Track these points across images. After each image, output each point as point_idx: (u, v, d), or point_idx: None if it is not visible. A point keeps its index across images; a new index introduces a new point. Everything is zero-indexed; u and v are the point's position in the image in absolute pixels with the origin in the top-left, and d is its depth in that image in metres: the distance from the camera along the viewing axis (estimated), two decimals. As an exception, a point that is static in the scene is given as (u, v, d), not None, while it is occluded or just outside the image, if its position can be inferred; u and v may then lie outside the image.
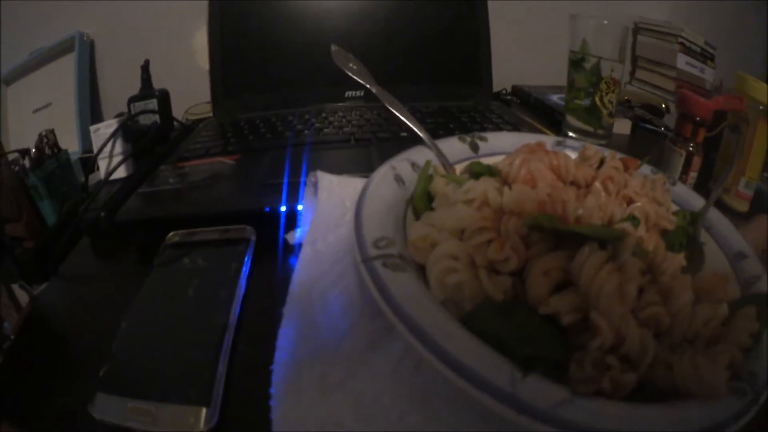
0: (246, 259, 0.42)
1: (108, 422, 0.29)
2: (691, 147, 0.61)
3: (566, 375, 0.25)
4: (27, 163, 0.65)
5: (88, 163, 0.61)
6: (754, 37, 1.14)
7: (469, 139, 0.44)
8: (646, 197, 0.40)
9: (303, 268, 0.34)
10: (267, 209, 0.43)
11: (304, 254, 0.34)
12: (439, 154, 0.40)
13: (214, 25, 0.65)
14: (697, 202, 0.45)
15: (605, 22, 0.66)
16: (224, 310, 0.36)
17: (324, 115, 0.63)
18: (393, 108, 0.42)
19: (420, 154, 0.40)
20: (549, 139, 0.47)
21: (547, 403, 0.22)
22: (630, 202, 0.40)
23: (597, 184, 0.39)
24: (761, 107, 0.63)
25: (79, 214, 0.51)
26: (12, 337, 0.39)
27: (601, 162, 0.43)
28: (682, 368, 0.26)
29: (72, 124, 0.71)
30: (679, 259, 0.35)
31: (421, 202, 0.35)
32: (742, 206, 0.62)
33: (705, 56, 0.96)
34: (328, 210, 0.36)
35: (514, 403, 0.22)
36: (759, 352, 0.29)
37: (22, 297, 0.55)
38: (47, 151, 0.66)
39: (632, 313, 0.27)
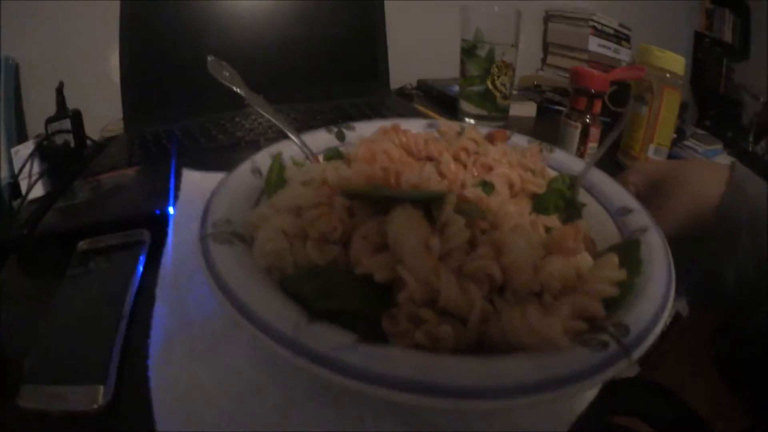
0: (141, 258, 0.45)
1: (31, 409, 0.32)
2: (588, 119, 0.64)
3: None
4: (-42, 188, 0.67)
5: (15, 187, 0.64)
6: (680, 16, 1.17)
7: (336, 129, 0.46)
8: (510, 164, 0.42)
9: (170, 255, 0.37)
10: (158, 212, 0.46)
11: (171, 242, 0.38)
12: (302, 145, 0.43)
13: (124, 44, 0.68)
14: (579, 166, 0.45)
15: (496, 9, 0.69)
16: (119, 304, 0.40)
17: (222, 122, 0.66)
18: (259, 108, 0.45)
19: (282, 148, 0.42)
20: (419, 122, 0.49)
21: (326, 347, 0.23)
22: (490, 170, 0.41)
23: (445, 154, 0.41)
24: (668, 75, 0.66)
25: (4, 234, 0.54)
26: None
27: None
28: (511, 318, 0.25)
29: (2, 150, 0.73)
30: (546, 220, 0.36)
31: (274, 189, 0.38)
32: None
33: (619, 37, 1.00)
34: (191, 201, 0.39)
35: (293, 345, 0.23)
36: (631, 303, 0.28)
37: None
38: (-24, 177, 0.69)
39: (461, 269, 0.28)
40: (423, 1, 0.90)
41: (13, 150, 0.60)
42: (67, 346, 0.37)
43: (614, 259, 0.30)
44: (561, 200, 0.42)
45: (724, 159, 0.83)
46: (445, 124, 0.46)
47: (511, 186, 0.41)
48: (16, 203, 0.62)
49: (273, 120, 0.44)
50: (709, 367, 0.68)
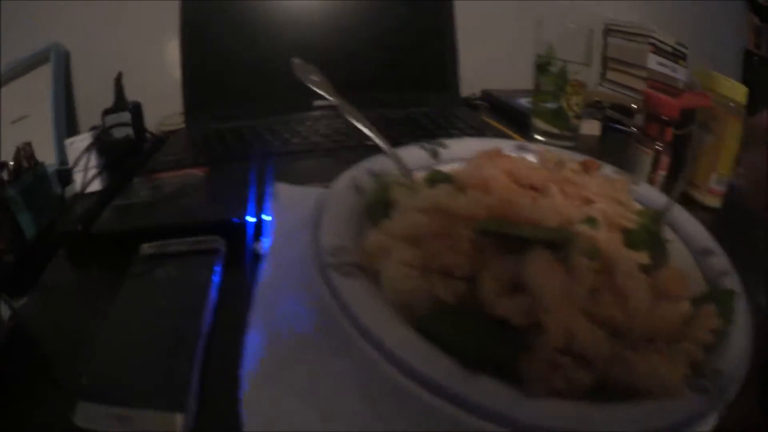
0: (216, 268, 0.43)
1: (91, 430, 0.30)
2: (659, 146, 0.62)
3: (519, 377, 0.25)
4: (5, 176, 0.65)
5: (65, 175, 0.62)
6: (728, 37, 1.16)
7: (429, 146, 0.45)
8: (606, 198, 0.41)
9: (269, 278, 0.35)
10: (235, 220, 0.44)
11: (270, 264, 0.36)
12: (399, 162, 0.41)
13: (186, 37, 0.66)
14: (662, 200, 0.45)
15: (571, 25, 0.67)
16: (196, 319, 0.37)
17: (292, 125, 0.64)
18: (353, 118, 0.43)
19: (380, 163, 0.41)
20: (509, 144, 0.48)
21: (497, 403, 0.23)
22: (589, 203, 0.40)
23: (553, 187, 0.39)
24: (731, 104, 0.63)
25: (56, 227, 0.52)
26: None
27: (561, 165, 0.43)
28: (640, 368, 0.26)
29: (49, 136, 0.71)
30: (639, 257, 0.35)
31: (377, 210, 0.36)
32: (715, 202, 0.63)
33: (677, 56, 0.98)
34: (288, 220, 0.37)
35: (464, 403, 0.22)
36: (723, 349, 0.29)
37: (3, 310, 0.56)
38: (24, 164, 0.67)
39: (587, 313, 0.28)
40: (491, 13, 0.87)
41: (67, 141, 0.58)
42: (134, 362, 0.35)
43: (713, 308, 0.30)
44: (648, 236, 0.40)
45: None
46: (545, 152, 0.45)
47: (606, 221, 0.39)
48: (67, 192, 0.60)
49: (366, 131, 0.42)
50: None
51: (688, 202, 0.44)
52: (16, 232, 0.65)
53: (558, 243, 0.30)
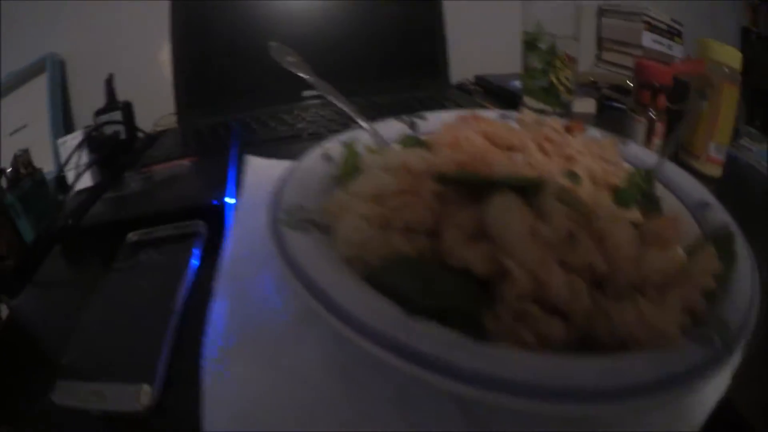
0: (195, 250, 0.43)
1: (67, 406, 0.30)
2: (652, 114, 0.61)
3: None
4: (4, 183, 0.67)
5: (63, 181, 0.62)
6: (726, 14, 1.14)
7: (408, 119, 0.44)
8: (592, 156, 0.40)
9: (233, 247, 0.34)
10: (215, 202, 0.44)
11: (233, 234, 0.35)
12: (375, 134, 0.41)
13: (176, 38, 0.68)
14: (653, 160, 0.44)
15: (558, 1, 0.67)
16: (171, 298, 0.37)
17: (280, 114, 0.64)
18: (329, 95, 0.43)
19: (355, 135, 0.40)
20: (492, 113, 0.47)
21: (436, 347, 0.21)
22: (573, 161, 0.38)
23: (530, 144, 0.38)
24: (726, 70, 0.62)
25: (52, 226, 0.52)
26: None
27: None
28: (623, 315, 0.24)
29: (47, 144, 0.72)
30: (629, 214, 0.34)
31: (348, 177, 0.35)
32: (715, 171, 0.62)
33: (672, 33, 0.97)
34: (255, 190, 0.37)
35: (397, 347, 0.21)
36: (728, 298, 0.26)
37: (2, 310, 0.56)
38: (22, 170, 0.68)
39: (564, 264, 0.26)
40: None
41: (59, 140, 0.59)
42: (109, 341, 0.35)
43: (712, 251, 0.28)
44: (639, 194, 0.39)
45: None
46: (528, 115, 0.43)
47: (592, 178, 0.38)
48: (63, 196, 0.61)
49: (342, 107, 0.42)
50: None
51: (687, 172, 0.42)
52: (16, 237, 0.66)
53: (528, 189, 0.27)
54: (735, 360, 0.23)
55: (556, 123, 0.42)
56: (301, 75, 0.45)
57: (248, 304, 0.32)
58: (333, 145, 0.38)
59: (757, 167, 0.67)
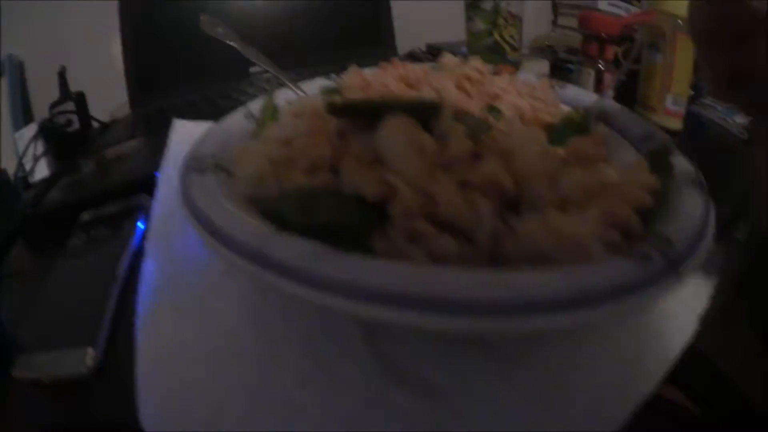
0: (139, 222, 0.44)
1: (24, 377, 0.31)
2: (600, 64, 0.61)
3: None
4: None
5: (26, 180, 0.64)
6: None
7: (335, 76, 0.44)
8: (519, 94, 0.39)
9: (159, 205, 0.35)
10: (157, 174, 0.45)
11: (160, 192, 0.36)
12: (297, 89, 0.41)
13: (125, 27, 0.68)
14: (590, 98, 0.43)
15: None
16: (113, 267, 0.39)
17: (227, 92, 0.65)
18: (255, 59, 0.43)
19: (278, 94, 0.41)
20: (424, 66, 0.46)
21: (292, 256, 0.20)
22: (497, 99, 0.38)
23: (447, 82, 0.38)
24: (680, 22, 0.60)
25: (13, 219, 0.54)
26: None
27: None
28: (529, 226, 0.22)
29: (10, 145, 0.74)
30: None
31: (264, 127, 0.36)
32: (674, 124, 0.61)
33: (629, -5, 0.96)
34: (181, 149, 0.38)
35: (255, 257, 0.21)
36: (673, 215, 0.24)
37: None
38: (-14, 172, 0.69)
39: (466, 182, 0.24)
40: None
41: (16, 134, 0.60)
42: (59, 314, 0.36)
43: (644, 164, 0.27)
44: (575, 131, 0.38)
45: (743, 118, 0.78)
46: (450, 58, 0.43)
47: (521, 117, 0.38)
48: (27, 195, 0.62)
49: (267, 68, 0.43)
50: (740, 322, 0.62)
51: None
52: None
53: (427, 114, 0.26)
54: (687, 284, 0.21)
55: (479, 63, 0.41)
56: (233, 45, 0.45)
57: (174, 260, 0.33)
58: (255, 104, 0.39)
59: (722, 124, 0.65)
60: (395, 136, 0.25)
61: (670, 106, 0.65)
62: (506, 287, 0.18)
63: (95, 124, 0.65)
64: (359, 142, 0.27)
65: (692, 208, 0.24)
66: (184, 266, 0.33)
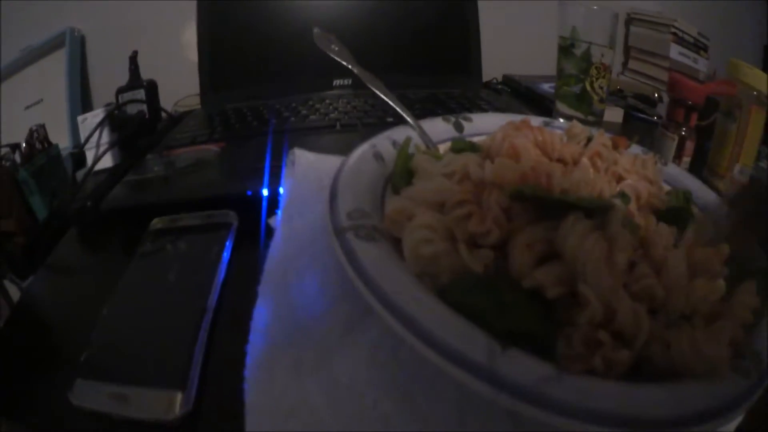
0: (227, 243, 0.41)
1: (86, 408, 0.28)
2: (684, 131, 0.61)
3: (554, 355, 0.24)
4: (18, 158, 0.64)
5: (78, 157, 0.61)
6: (749, 29, 1.14)
7: (453, 119, 0.43)
8: (637, 175, 0.39)
9: (279, 246, 0.33)
10: (249, 193, 0.42)
11: (281, 232, 0.34)
12: (422, 133, 0.39)
13: (203, 18, 0.65)
14: (690, 181, 0.44)
15: (595, 7, 0.66)
16: (203, 295, 0.36)
17: (311, 103, 0.63)
18: (375, 88, 0.41)
19: (402, 133, 0.39)
20: (536, 119, 0.46)
21: (529, 379, 0.21)
22: (620, 180, 0.38)
23: (585, 160, 0.38)
24: (754, 93, 0.62)
25: (67, 206, 0.50)
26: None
27: (589, 140, 0.42)
28: (681, 344, 0.24)
29: (64, 121, 0.70)
30: (672, 231, 0.33)
31: (401, 178, 0.34)
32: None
33: (698, 47, 0.96)
34: (304, 187, 0.35)
35: (492, 378, 0.20)
36: (761, 330, 0.27)
37: (13, 291, 0.55)
38: (38, 145, 0.66)
39: (624, 287, 0.26)
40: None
41: (80, 118, 0.57)
42: (135, 339, 0.33)
43: (753, 286, 0.28)
44: (680, 218, 0.39)
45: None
46: (577, 126, 0.43)
47: (637, 199, 0.38)
48: (79, 174, 0.59)
49: (390, 102, 0.41)
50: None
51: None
52: (28, 215, 0.64)
53: (595, 211, 0.27)
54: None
55: (605, 138, 0.41)
56: (345, 64, 0.43)
57: (294, 310, 0.31)
58: (381, 142, 0.37)
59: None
60: (588, 244, 0.25)
61: (737, 176, 0.66)
62: (679, 405, 0.22)
63: (163, 115, 0.62)
64: (534, 231, 0.27)
65: None
66: (305, 316, 0.30)
